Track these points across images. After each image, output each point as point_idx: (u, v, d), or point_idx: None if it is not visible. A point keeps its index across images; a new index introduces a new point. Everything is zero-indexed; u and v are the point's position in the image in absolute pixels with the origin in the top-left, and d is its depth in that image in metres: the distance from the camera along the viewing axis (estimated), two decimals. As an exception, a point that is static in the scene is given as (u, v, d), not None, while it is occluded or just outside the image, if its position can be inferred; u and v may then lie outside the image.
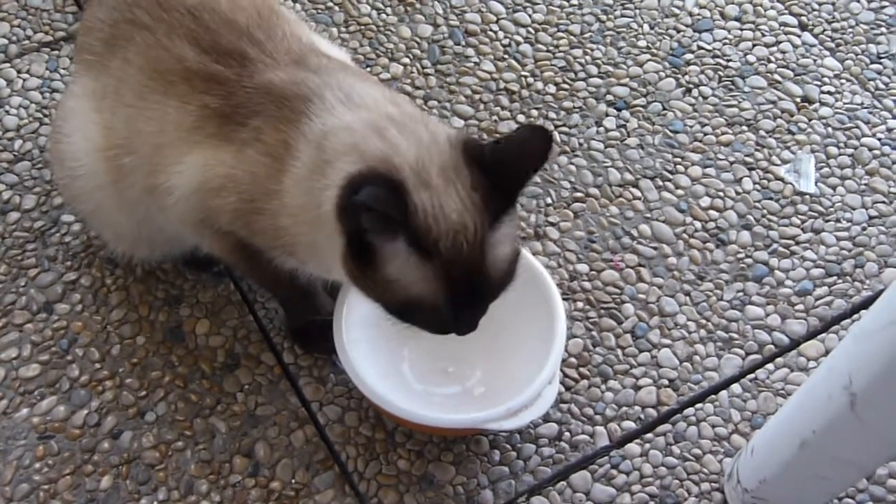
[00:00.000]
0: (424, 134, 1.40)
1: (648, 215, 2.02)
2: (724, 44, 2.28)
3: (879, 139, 2.15)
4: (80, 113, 1.65)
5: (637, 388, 1.82)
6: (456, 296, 1.38)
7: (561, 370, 1.80)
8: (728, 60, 2.25)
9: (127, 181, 1.62)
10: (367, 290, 1.43)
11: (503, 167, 1.37)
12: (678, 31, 2.30)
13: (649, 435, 1.78)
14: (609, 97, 2.18)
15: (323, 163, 1.40)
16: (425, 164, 1.35)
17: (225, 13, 1.54)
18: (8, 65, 2.16)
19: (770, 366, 1.86)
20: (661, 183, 2.06)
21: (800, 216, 2.03)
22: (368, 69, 2.18)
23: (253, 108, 1.47)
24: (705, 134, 2.13)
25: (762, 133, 2.14)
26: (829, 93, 2.22)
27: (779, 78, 2.23)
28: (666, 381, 1.83)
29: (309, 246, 1.50)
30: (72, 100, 1.69)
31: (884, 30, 2.33)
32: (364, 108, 1.44)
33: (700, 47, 2.27)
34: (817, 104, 2.20)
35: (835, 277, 1.96)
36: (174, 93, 1.51)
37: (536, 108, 2.15)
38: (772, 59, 2.26)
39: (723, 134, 2.14)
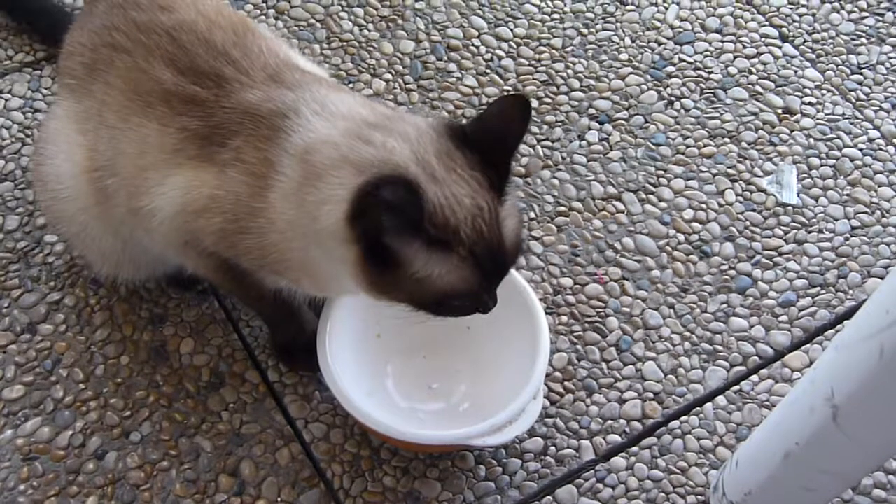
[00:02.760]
0: (409, 128, 1.40)
1: (632, 228, 2.02)
2: (706, 56, 2.29)
3: (861, 149, 2.16)
4: (63, 135, 1.65)
5: (622, 401, 1.82)
6: (484, 275, 1.40)
7: (546, 384, 1.80)
8: (709, 72, 2.26)
9: (111, 202, 1.62)
10: (392, 295, 1.43)
11: (489, 142, 1.39)
12: (659, 44, 2.30)
13: (635, 448, 1.78)
14: (591, 111, 2.19)
15: (313, 177, 1.39)
16: (424, 156, 1.36)
17: (202, 33, 1.54)
18: (-10, 85, 2.16)
19: (754, 377, 1.86)
20: (644, 196, 2.07)
21: (782, 227, 2.04)
22: (351, 85, 2.18)
23: (232, 129, 1.47)
24: (688, 146, 2.14)
25: (744, 145, 2.15)
26: (810, 104, 2.23)
27: (760, 89, 2.24)
28: (651, 394, 1.83)
29: (301, 262, 1.49)
30: (55, 122, 1.69)
31: (864, 40, 2.34)
32: (340, 116, 1.44)
33: (681, 60, 2.28)
34: (799, 115, 2.21)
35: (818, 288, 1.97)
36: (154, 115, 1.51)
37: (519, 123, 2.15)
38: (753, 70, 2.27)
39: (705, 146, 2.14)
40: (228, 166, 1.46)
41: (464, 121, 2.13)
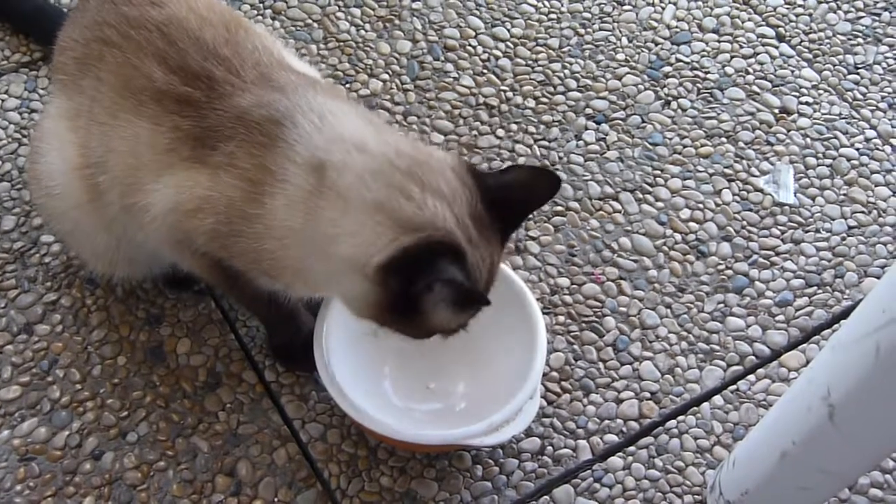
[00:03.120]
0: (441, 184, 1.40)
1: (629, 228, 2.02)
2: (703, 56, 2.29)
3: (857, 149, 2.16)
4: (56, 133, 1.65)
5: (619, 401, 1.82)
6: (474, 314, 1.50)
7: (543, 384, 1.80)
8: (706, 72, 2.26)
9: (103, 200, 1.62)
10: (387, 325, 1.47)
11: (511, 207, 1.44)
12: (656, 44, 2.31)
13: (632, 448, 1.78)
14: (588, 111, 2.19)
15: (333, 196, 1.39)
16: (463, 220, 1.39)
17: (193, 30, 1.53)
18: (-14, 85, 2.16)
19: (751, 377, 1.86)
20: (640, 196, 2.07)
21: (779, 227, 2.04)
22: (347, 86, 2.18)
23: (224, 133, 1.46)
24: (684, 146, 2.14)
25: (741, 144, 2.15)
26: (807, 103, 2.23)
27: (757, 89, 2.24)
28: (648, 394, 1.83)
29: (297, 269, 1.49)
30: (48, 120, 1.69)
31: (861, 40, 2.34)
32: (356, 147, 1.41)
33: (678, 60, 2.28)
34: (796, 115, 2.21)
35: (815, 288, 1.97)
36: (145, 113, 1.50)
37: (516, 123, 2.15)
38: (750, 70, 2.28)
39: (702, 146, 2.14)
40: (221, 170, 1.45)
41: (461, 121, 2.13)
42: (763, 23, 2.36)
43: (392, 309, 1.41)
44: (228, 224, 1.47)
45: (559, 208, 2.04)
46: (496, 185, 1.43)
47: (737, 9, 2.38)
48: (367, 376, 1.75)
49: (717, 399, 1.83)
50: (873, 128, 2.19)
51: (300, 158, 1.41)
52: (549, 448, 1.77)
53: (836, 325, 1.92)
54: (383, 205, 1.36)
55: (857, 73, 2.29)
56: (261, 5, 2.31)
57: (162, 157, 1.50)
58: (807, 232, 2.04)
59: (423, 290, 1.36)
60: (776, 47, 2.32)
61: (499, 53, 2.27)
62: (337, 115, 1.46)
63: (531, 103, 2.19)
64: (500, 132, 2.14)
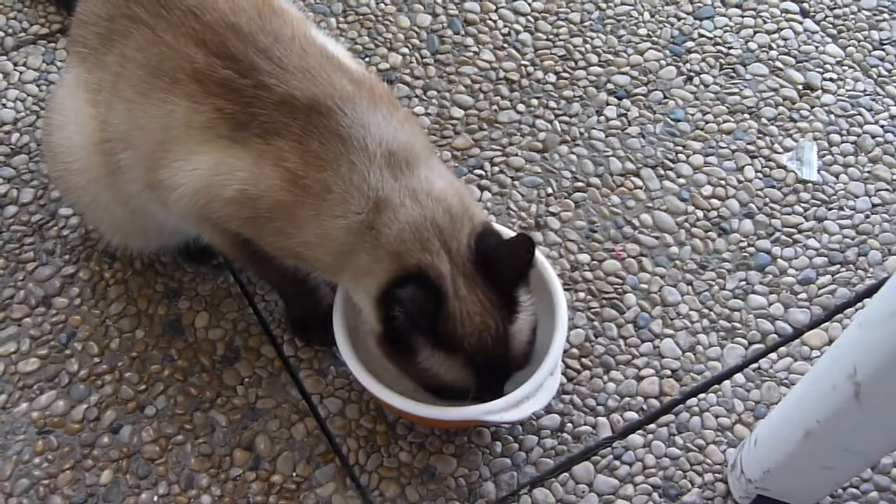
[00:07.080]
0: (454, 242, 1.48)
1: (650, 204, 2.01)
2: (725, 31, 2.27)
3: (882, 126, 2.13)
4: (73, 105, 1.64)
5: (639, 378, 1.81)
6: (483, 379, 1.54)
7: (563, 361, 1.79)
8: (729, 48, 2.24)
9: (125, 176, 1.61)
10: (401, 370, 1.57)
11: (500, 273, 1.51)
12: (679, 19, 2.28)
13: (652, 426, 1.77)
14: (610, 86, 2.17)
15: (373, 237, 1.47)
16: (455, 275, 1.48)
17: (226, 15, 1.51)
18: (4, 57, 2.14)
19: (773, 355, 1.84)
20: (662, 172, 2.05)
21: (802, 204, 2.02)
22: (367, 59, 2.16)
23: (272, 125, 1.47)
24: (707, 122, 2.12)
25: (764, 121, 2.13)
26: (831, 80, 2.20)
27: (780, 65, 2.22)
28: (668, 372, 1.82)
29: (330, 263, 1.53)
30: (64, 90, 1.68)
31: (886, 16, 2.31)
32: (412, 194, 1.48)
33: (701, 35, 2.26)
34: (819, 91, 2.18)
35: (838, 266, 1.95)
36: (182, 91, 1.49)
37: (536, 98, 2.13)
38: (773, 46, 2.25)
39: (724, 122, 2.12)
40: (269, 165, 1.47)
41: (481, 95, 2.12)
42: (787, -2, 2.33)
43: (385, 343, 1.53)
44: (271, 221, 1.50)
45: (580, 184, 2.02)
46: (486, 259, 1.50)
47: (760, -17, 2.35)
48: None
49: (739, 377, 1.82)
50: (898, 105, 2.17)
51: (367, 188, 1.45)
52: (569, 425, 1.76)
53: (859, 304, 1.91)
54: (402, 256, 1.47)
55: (883, 49, 2.26)
56: (280, -22, 2.29)
57: (197, 133, 1.49)
58: (830, 209, 2.02)
59: (390, 312, 1.47)
60: (800, 23, 2.29)
61: (519, 28, 2.25)
62: (399, 150, 1.49)
63: (552, 78, 2.17)
64: (521, 107, 2.12)
